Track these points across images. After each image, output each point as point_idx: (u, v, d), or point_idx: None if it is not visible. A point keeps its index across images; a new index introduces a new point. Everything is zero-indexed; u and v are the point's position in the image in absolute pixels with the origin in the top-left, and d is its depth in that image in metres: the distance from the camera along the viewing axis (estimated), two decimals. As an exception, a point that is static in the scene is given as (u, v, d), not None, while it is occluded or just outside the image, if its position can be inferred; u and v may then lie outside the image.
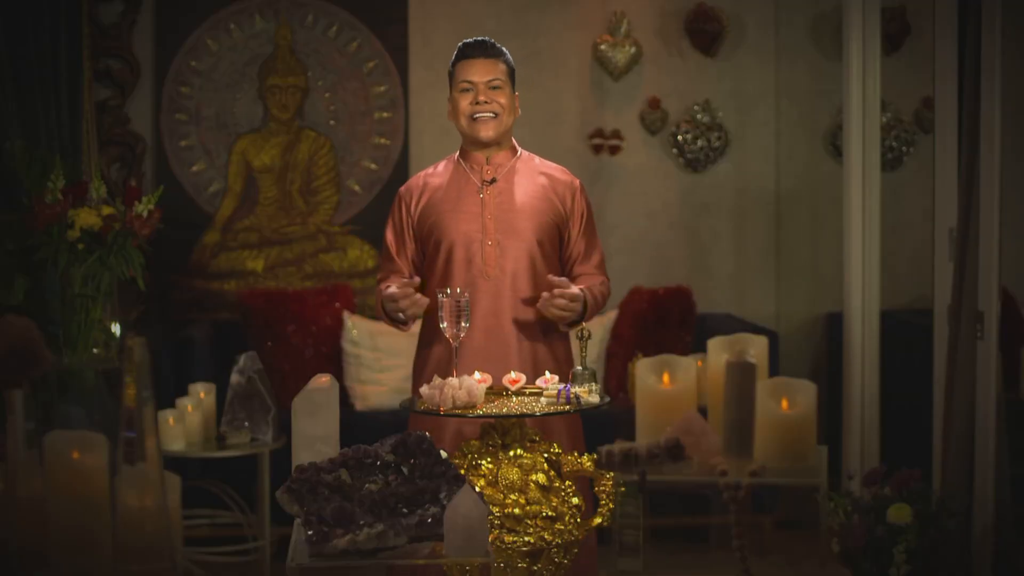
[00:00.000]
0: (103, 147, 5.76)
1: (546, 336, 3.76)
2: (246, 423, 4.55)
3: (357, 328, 5.59)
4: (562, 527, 3.18)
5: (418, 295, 3.65)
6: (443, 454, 2.85)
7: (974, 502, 3.90)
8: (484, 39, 3.79)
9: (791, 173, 6.18)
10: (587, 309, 3.70)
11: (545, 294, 3.63)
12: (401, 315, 3.66)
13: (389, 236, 3.85)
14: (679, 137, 6.11)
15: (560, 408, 3.20)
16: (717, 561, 4.84)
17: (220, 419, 4.59)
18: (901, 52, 6.14)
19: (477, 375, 3.29)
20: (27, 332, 2.66)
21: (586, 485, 3.47)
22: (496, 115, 3.74)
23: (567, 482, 3.24)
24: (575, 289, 3.65)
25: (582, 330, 3.38)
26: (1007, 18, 3.81)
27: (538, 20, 6.06)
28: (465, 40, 3.80)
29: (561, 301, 3.61)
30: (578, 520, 3.21)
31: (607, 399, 3.34)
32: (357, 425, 4.66)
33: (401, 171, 5.93)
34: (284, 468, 3.09)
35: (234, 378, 4.57)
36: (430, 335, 3.77)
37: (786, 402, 4.34)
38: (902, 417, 5.18)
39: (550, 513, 3.17)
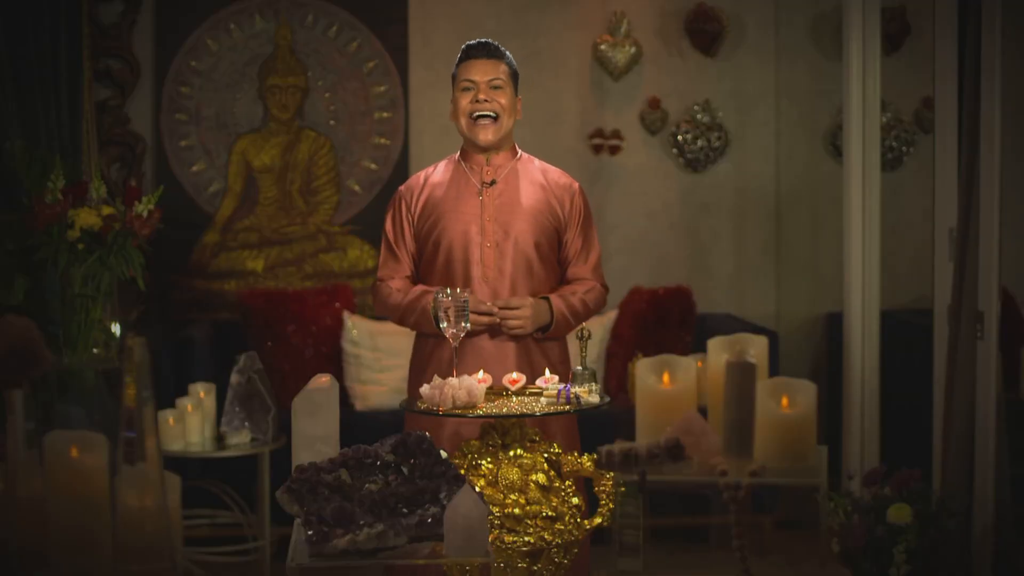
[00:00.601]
0: (103, 147, 5.76)
1: (541, 338, 3.77)
2: (246, 423, 4.55)
3: (357, 328, 5.59)
4: (562, 527, 3.18)
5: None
6: (443, 454, 2.85)
7: (974, 502, 3.90)
8: (487, 40, 3.80)
9: (791, 173, 6.18)
10: (555, 315, 3.71)
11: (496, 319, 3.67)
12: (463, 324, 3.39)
13: (390, 234, 3.85)
14: (679, 137, 6.11)
15: (560, 408, 3.20)
16: (717, 561, 4.84)
17: (220, 419, 4.59)
18: (901, 52, 6.14)
19: (481, 374, 3.29)
20: (27, 332, 2.66)
21: (585, 485, 3.47)
22: (496, 117, 3.74)
23: (567, 482, 3.24)
24: (517, 299, 3.67)
25: (582, 330, 3.38)
26: (1007, 18, 3.81)
27: (538, 20, 6.06)
28: (468, 42, 3.81)
29: (505, 313, 3.65)
30: (578, 520, 3.21)
31: (607, 399, 3.34)
32: (357, 425, 4.66)
33: (401, 171, 5.93)
34: (284, 468, 3.09)
35: (234, 378, 4.57)
36: (427, 334, 3.77)
37: (786, 402, 4.34)
38: (902, 417, 5.18)
39: (550, 513, 3.17)
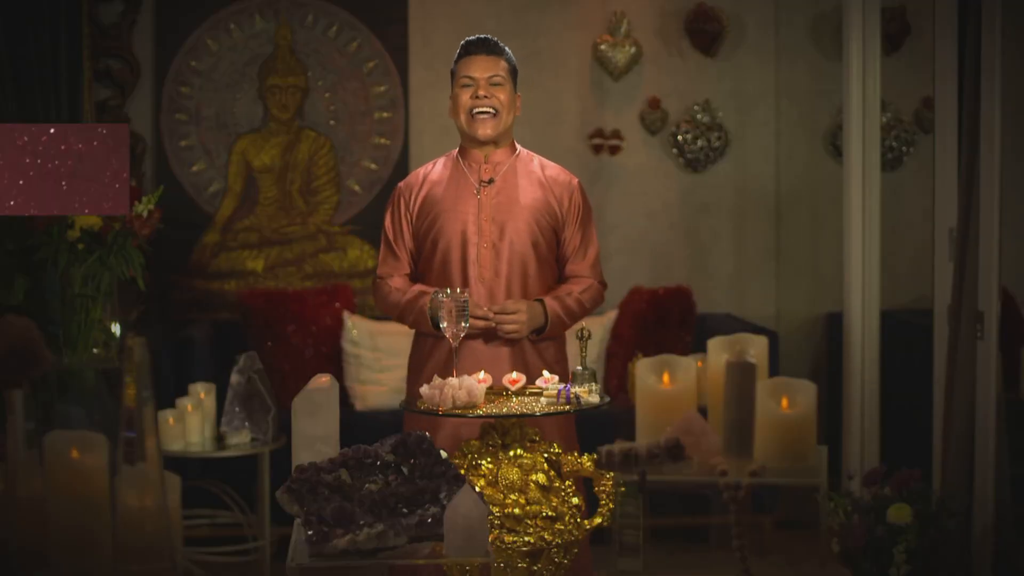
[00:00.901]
0: (103, 147, 5.75)
1: (536, 339, 3.77)
2: (246, 423, 4.55)
3: (357, 328, 5.59)
4: (562, 527, 3.18)
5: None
6: (443, 454, 2.85)
7: (974, 502, 3.90)
8: (487, 37, 3.80)
9: (791, 173, 6.18)
10: (549, 318, 3.70)
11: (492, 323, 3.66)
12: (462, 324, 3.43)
13: (389, 232, 3.85)
14: (679, 137, 6.10)
15: (560, 408, 3.20)
16: (717, 561, 4.84)
17: (220, 419, 4.59)
18: (901, 52, 6.14)
19: (482, 374, 3.29)
20: (27, 332, 2.66)
21: (585, 485, 3.47)
22: (495, 112, 3.74)
23: (567, 482, 3.24)
24: (513, 303, 3.66)
25: (582, 330, 3.38)
26: (1007, 18, 3.81)
27: (538, 20, 6.06)
28: (468, 38, 3.81)
29: (501, 318, 3.64)
30: (578, 520, 3.21)
31: (607, 399, 3.34)
32: (357, 425, 4.66)
33: (401, 171, 5.93)
34: (284, 468, 3.09)
35: (234, 378, 4.57)
36: (426, 334, 3.77)
37: (786, 402, 4.34)
38: (902, 417, 5.18)
39: (550, 513, 3.17)
